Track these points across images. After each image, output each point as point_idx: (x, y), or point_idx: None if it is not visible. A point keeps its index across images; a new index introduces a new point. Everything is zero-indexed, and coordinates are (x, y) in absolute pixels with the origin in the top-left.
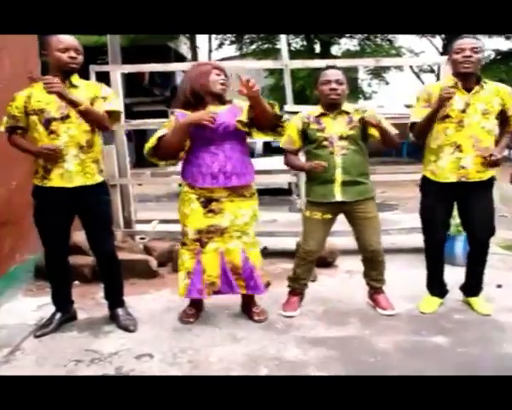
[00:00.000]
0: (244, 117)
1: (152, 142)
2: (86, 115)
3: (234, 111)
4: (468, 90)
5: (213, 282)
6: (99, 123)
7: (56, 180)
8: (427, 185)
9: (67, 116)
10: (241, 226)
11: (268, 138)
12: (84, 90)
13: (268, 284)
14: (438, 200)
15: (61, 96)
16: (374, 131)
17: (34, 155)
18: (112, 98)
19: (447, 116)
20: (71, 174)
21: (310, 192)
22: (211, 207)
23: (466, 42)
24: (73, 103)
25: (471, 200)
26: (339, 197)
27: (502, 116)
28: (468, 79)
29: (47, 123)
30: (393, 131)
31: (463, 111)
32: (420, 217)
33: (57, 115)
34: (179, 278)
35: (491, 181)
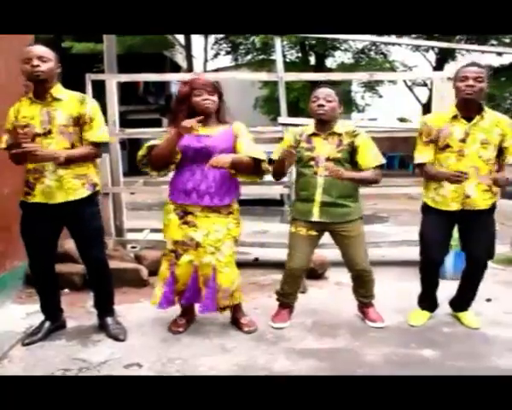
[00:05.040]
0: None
1: (143, 150)
2: (72, 161)
3: (226, 137)
4: (469, 119)
5: (182, 290)
6: (87, 160)
7: (39, 196)
8: (427, 211)
9: (49, 132)
10: (213, 242)
11: (249, 180)
12: (67, 103)
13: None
14: (438, 225)
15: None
16: (361, 160)
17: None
18: (98, 126)
19: (447, 146)
20: (51, 190)
21: (293, 209)
22: (186, 219)
23: (470, 70)
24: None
25: (474, 225)
26: (316, 217)
27: (498, 147)
28: (469, 108)
29: (31, 139)
30: (369, 177)
31: (463, 141)
32: (419, 238)
33: (41, 131)
34: (157, 287)
35: (492, 210)
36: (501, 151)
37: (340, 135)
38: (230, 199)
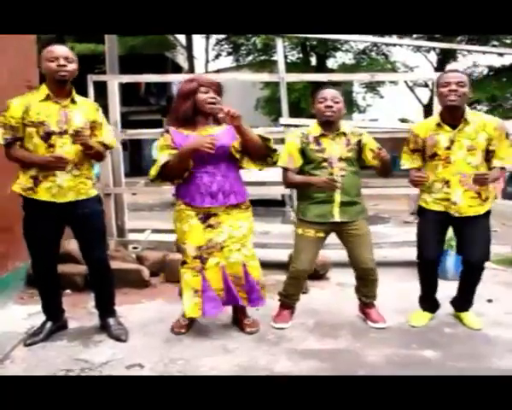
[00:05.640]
0: (237, 144)
1: (156, 169)
2: (95, 155)
3: (231, 133)
4: (454, 126)
5: (219, 295)
6: (98, 158)
7: (43, 194)
8: (421, 213)
9: (65, 132)
10: (239, 238)
11: (257, 168)
12: (84, 107)
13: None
14: (430, 225)
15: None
16: (369, 157)
17: (38, 165)
18: (107, 130)
19: (435, 154)
20: (62, 190)
21: (305, 212)
22: (209, 222)
23: (451, 76)
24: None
25: (466, 229)
26: (337, 218)
27: (486, 151)
28: (454, 115)
29: (46, 136)
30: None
31: (448, 148)
32: (416, 237)
33: (56, 129)
34: (185, 298)
35: (487, 214)
36: (488, 155)
37: (346, 135)
38: (246, 194)
